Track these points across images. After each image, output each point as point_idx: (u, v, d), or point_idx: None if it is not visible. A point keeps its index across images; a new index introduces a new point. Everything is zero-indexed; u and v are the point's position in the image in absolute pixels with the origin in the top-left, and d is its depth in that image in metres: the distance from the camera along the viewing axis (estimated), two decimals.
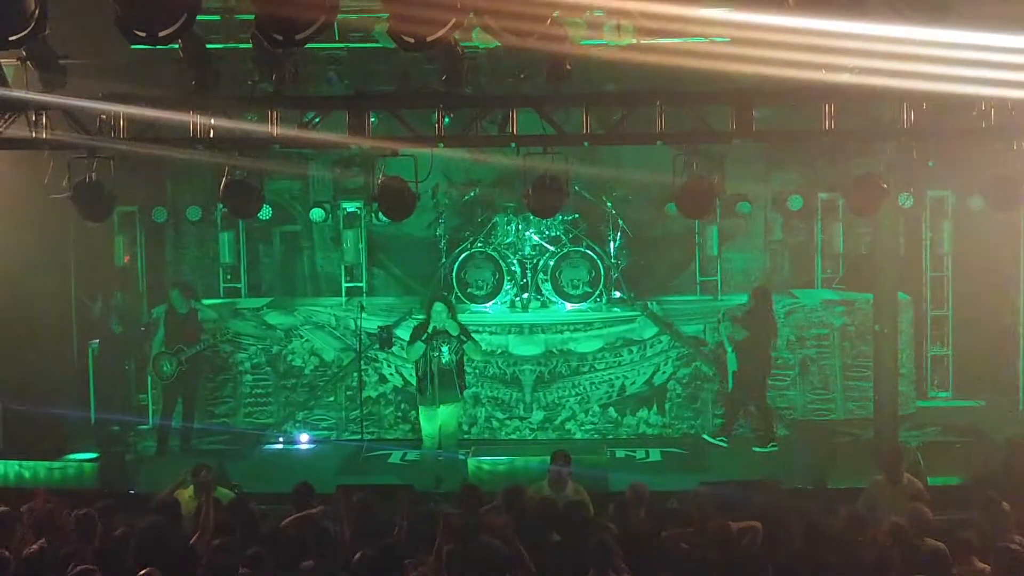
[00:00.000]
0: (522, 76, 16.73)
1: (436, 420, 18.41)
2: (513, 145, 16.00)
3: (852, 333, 21.19)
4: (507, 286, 21.59)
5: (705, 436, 20.33)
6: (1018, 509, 12.95)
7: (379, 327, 20.80)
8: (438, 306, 18.27)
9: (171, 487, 14.26)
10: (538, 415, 20.52)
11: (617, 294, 21.98)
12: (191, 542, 12.15)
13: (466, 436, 20.34)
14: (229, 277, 23.58)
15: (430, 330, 18.15)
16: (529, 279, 21.85)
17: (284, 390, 21.31)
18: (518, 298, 21.82)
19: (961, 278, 22.72)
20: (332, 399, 21.26)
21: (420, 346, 18.17)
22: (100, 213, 16.35)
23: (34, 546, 11.73)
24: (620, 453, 19.75)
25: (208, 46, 14.55)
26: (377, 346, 20.84)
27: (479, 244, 21.80)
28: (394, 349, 20.82)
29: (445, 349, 18.17)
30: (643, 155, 20.08)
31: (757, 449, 19.85)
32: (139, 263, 23.21)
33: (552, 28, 12.92)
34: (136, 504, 14.25)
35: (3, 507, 12.58)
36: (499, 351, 20.72)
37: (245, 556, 11.12)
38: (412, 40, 12.14)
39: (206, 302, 21.26)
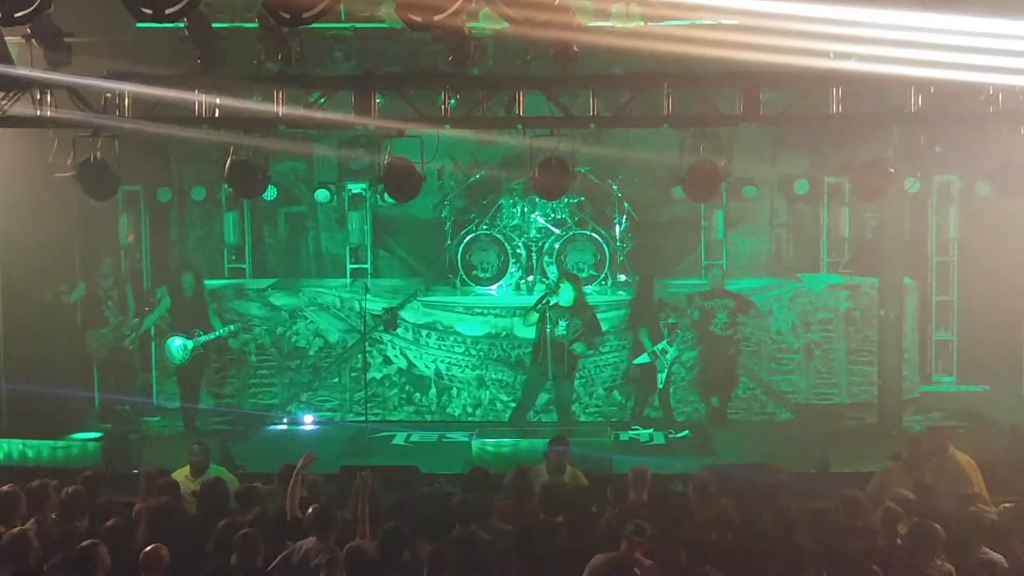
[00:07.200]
0: (529, 58, 16.70)
1: (540, 389, 19.59)
2: (520, 127, 15.96)
3: (857, 317, 21.16)
4: (512, 268, 21.61)
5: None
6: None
7: (384, 309, 20.81)
8: (565, 284, 19.26)
9: None
10: (542, 397, 20.43)
11: (622, 277, 21.96)
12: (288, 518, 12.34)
13: (471, 418, 20.43)
14: (234, 258, 23.58)
15: (547, 302, 19.07)
16: (534, 262, 21.83)
17: (288, 371, 21.31)
18: (523, 280, 21.79)
19: (967, 263, 22.68)
20: (336, 380, 21.26)
21: (534, 315, 19.15)
22: (104, 192, 16.31)
23: (26, 524, 11.78)
24: (624, 436, 19.75)
25: (214, 25, 14.51)
26: (382, 328, 20.83)
27: (484, 226, 21.80)
28: (398, 331, 20.83)
29: (563, 323, 18.97)
30: (649, 138, 20.07)
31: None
32: (143, 243, 23.15)
33: (559, 10, 12.90)
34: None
35: (6, 487, 12.56)
36: (503, 333, 20.69)
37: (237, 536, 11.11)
38: (419, 20, 12.13)
39: (210, 283, 21.33)
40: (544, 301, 19.13)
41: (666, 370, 19.95)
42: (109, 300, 21.39)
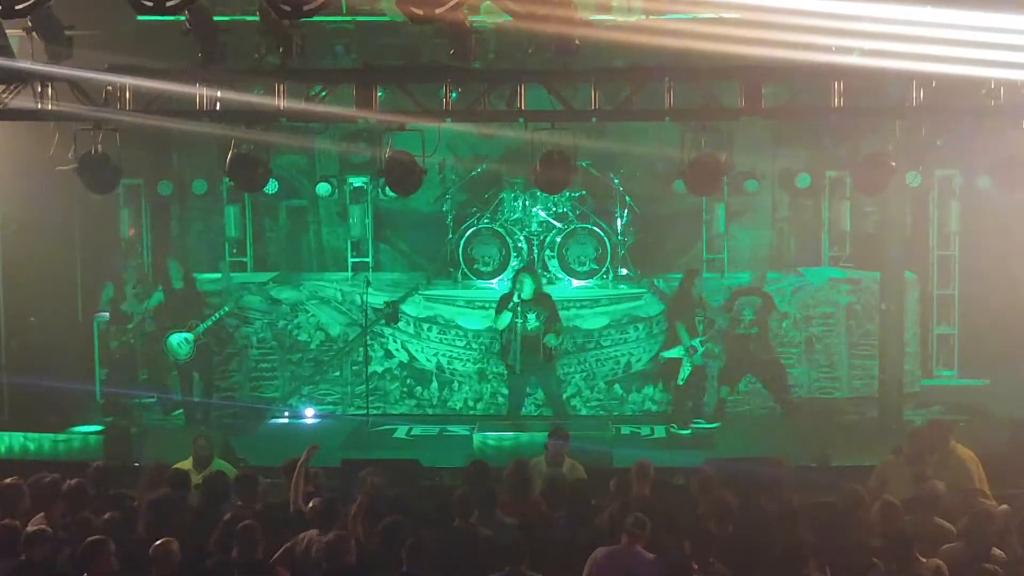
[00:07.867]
0: (530, 51, 16.66)
1: (523, 386, 19.58)
2: (521, 121, 15.93)
3: (858, 311, 21.16)
4: (513, 262, 21.55)
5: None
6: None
7: (385, 302, 20.82)
8: (524, 277, 19.22)
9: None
10: (543, 391, 20.42)
11: (624, 271, 21.94)
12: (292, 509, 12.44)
13: (472, 412, 20.43)
14: (235, 251, 23.51)
15: (516, 299, 19.01)
16: (536, 255, 21.81)
17: (290, 364, 21.31)
18: None
19: (968, 257, 22.66)
20: (337, 374, 21.26)
21: (507, 315, 19.12)
22: (105, 185, 16.30)
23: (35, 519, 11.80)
24: (625, 430, 19.75)
25: (215, 18, 14.50)
26: (383, 321, 20.83)
27: (486, 220, 21.78)
28: (400, 324, 20.83)
29: (532, 316, 19.04)
30: (651, 132, 20.03)
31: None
32: (144, 237, 23.15)
33: (561, 4, 12.90)
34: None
35: (9, 479, 12.58)
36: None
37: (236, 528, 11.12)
38: (421, 13, 12.14)
39: (206, 276, 21.36)
40: (513, 299, 19.12)
41: (691, 368, 19.88)
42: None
